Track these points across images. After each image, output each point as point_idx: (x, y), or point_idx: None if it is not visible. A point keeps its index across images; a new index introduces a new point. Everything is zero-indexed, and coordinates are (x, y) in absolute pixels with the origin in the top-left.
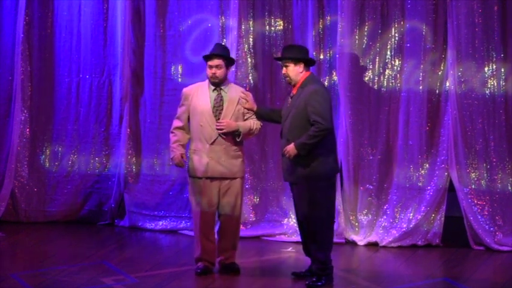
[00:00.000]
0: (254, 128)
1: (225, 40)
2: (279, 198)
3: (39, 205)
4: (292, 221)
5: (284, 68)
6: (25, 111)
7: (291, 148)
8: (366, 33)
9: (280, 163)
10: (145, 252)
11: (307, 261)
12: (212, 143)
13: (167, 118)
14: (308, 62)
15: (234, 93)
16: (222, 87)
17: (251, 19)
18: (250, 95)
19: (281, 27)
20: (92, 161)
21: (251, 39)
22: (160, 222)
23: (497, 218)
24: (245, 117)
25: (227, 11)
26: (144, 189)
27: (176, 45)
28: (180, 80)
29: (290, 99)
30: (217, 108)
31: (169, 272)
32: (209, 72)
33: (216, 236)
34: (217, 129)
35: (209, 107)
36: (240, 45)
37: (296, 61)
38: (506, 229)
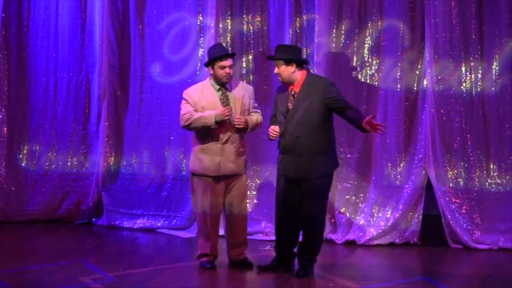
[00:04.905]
0: (259, 122)
1: (202, 38)
2: (257, 197)
3: (17, 204)
4: (271, 219)
5: (276, 68)
6: (2, 109)
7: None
8: (343, 31)
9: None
10: (123, 251)
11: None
12: (225, 142)
13: (146, 116)
14: (300, 62)
15: (237, 90)
16: (226, 86)
17: (229, 17)
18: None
19: (258, 25)
20: (70, 160)
21: (229, 38)
22: (138, 221)
23: (474, 216)
24: (250, 113)
25: (205, 9)
26: (122, 188)
27: (155, 43)
28: (158, 78)
29: (292, 97)
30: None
31: (147, 271)
32: (222, 72)
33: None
34: (236, 124)
35: (220, 107)
36: None
37: (287, 61)
38: (483, 227)
